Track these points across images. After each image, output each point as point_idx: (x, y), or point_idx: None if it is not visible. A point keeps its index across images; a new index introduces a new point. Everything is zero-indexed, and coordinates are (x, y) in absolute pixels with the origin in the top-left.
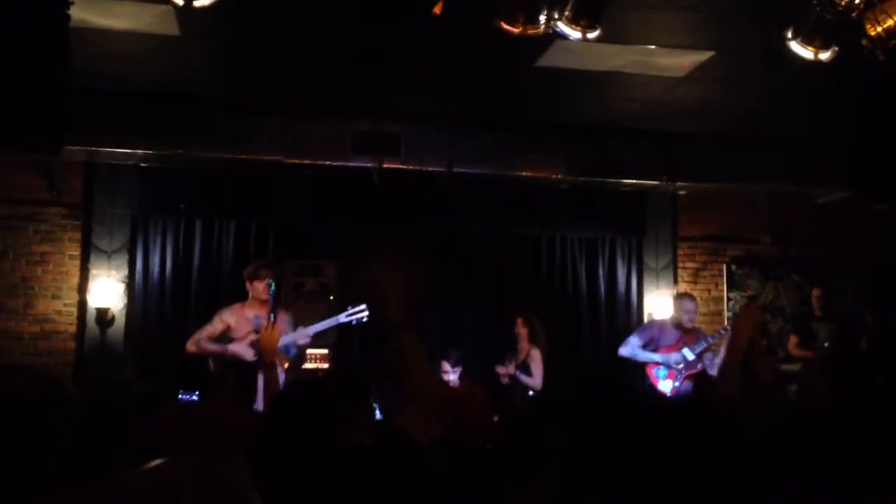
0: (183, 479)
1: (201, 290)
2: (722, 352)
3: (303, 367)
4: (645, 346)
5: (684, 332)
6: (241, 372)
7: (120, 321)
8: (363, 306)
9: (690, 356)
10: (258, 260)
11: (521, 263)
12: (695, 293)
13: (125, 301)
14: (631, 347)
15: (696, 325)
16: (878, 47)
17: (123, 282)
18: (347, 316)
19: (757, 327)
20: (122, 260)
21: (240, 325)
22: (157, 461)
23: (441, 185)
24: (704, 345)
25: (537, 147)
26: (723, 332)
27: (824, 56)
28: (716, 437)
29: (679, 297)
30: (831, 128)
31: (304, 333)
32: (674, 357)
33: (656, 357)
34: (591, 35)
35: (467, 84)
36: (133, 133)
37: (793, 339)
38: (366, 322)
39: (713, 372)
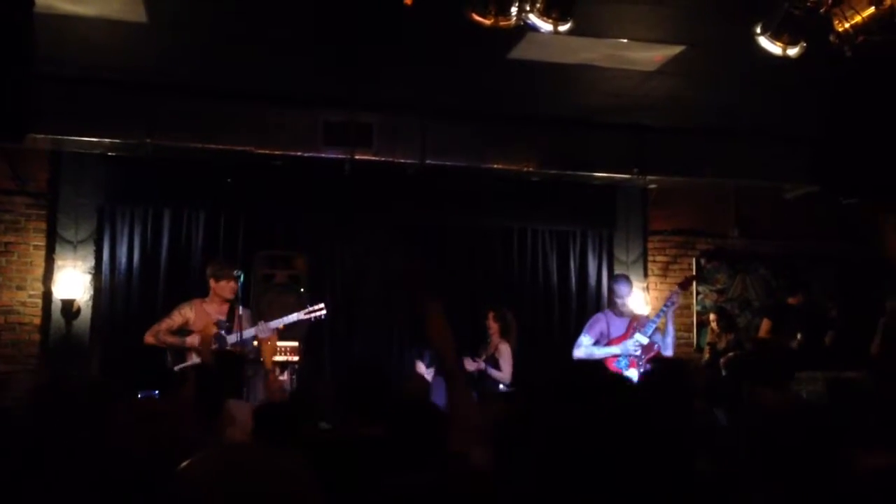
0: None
1: (169, 282)
2: (671, 329)
3: (273, 358)
4: (597, 342)
5: (631, 319)
6: (208, 366)
7: (86, 313)
8: (321, 305)
9: (644, 340)
10: (220, 259)
11: (491, 256)
12: (664, 287)
13: (91, 293)
14: (584, 348)
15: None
16: (846, 43)
17: (90, 273)
18: (306, 314)
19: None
20: (89, 251)
21: (199, 319)
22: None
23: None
24: (653, 325)
25: (509, 139)
26: (664, 309)
27: (792, 51)
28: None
29: (614, 279)
30: (799, 123)
31: (266, 328)
32: (630, 344)
33: (614, 349)
34: (563, 28)
35: (439, 75)
36: (100, 121)
37: (766, 324)
38: (323, 319)
39: (668, 352)
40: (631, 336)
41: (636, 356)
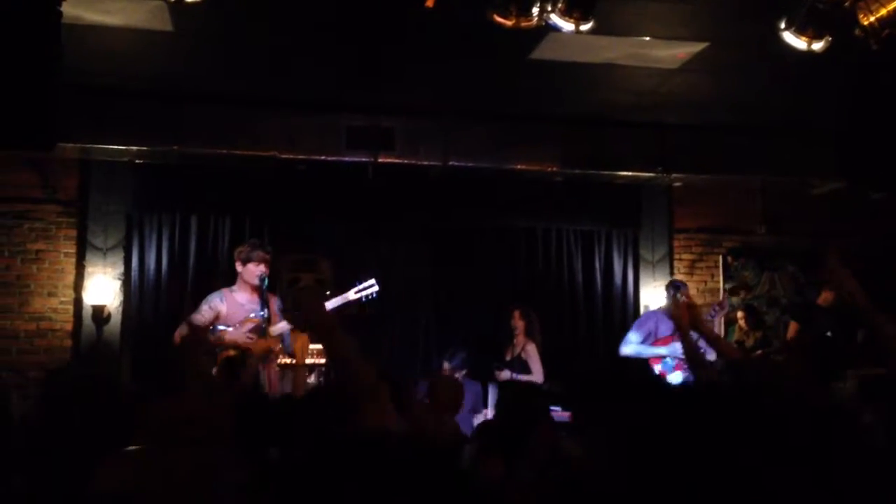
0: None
1: (197, 287)
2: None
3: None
4: (644, 340)
5: None
6: (230, 362)
7: (116, 318)
8: (372, 281)
9: None
10: (252, 240)
11: (516, 256)
12: (691, 285)
13: (121, 298)
14: (633, 346)
15: None
16: (871, 37)
17: (119, 279)
18: (357, 292)
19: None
20: (118, 257)
21: (232, 311)
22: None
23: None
24: None
25: (532, 139)
26: (711, 315)
27: (817, 46)
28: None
29: (672, 284)
30: (825, 118)
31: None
32: (679, 347)
33: (661, 350)
34: (585, 27)
35: (461, 77)
36: (127, 130)
37: (793, 326)
38: (375, 298)
39: (710, 356)
40: (679, 339)
41: (683, 359)
